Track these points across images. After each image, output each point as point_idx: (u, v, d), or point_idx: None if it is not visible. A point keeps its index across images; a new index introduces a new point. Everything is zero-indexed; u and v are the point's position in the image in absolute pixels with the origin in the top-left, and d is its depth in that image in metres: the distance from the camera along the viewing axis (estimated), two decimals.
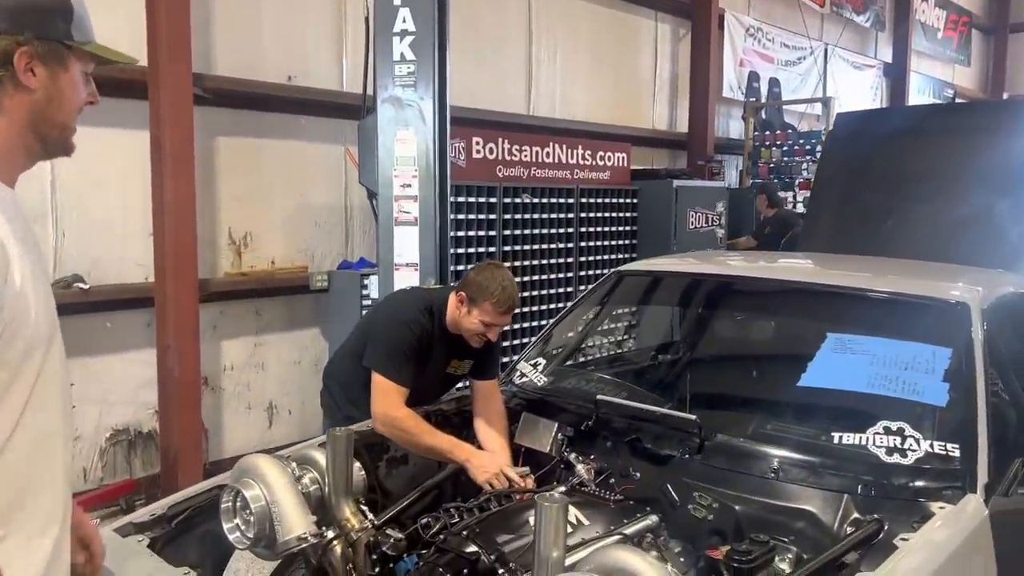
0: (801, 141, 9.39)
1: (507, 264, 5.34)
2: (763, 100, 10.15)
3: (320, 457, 2.26)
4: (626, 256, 6.93)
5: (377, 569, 2.12)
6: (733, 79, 9.81)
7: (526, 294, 6.09)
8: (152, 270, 4.85)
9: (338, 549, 2.14)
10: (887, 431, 2.28)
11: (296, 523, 2.05)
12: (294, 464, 2.21)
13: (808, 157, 9.08)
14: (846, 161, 4.87)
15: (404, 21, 3.98)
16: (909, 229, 4.20)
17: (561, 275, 6.51)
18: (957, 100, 14.35)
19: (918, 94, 13.62)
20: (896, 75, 13.13)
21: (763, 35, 10.29)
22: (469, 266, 5.51)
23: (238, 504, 2.13)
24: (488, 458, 2.62)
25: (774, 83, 10.43)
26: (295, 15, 5.61)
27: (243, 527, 2.13)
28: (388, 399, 2.67)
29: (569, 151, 6.68)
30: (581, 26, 7.98)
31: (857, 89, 12.20)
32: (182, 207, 4.74)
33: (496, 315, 2.73)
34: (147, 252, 4.84)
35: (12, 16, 1.29)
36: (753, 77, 10.05)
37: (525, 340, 5.74)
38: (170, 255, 4.72)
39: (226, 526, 2.15)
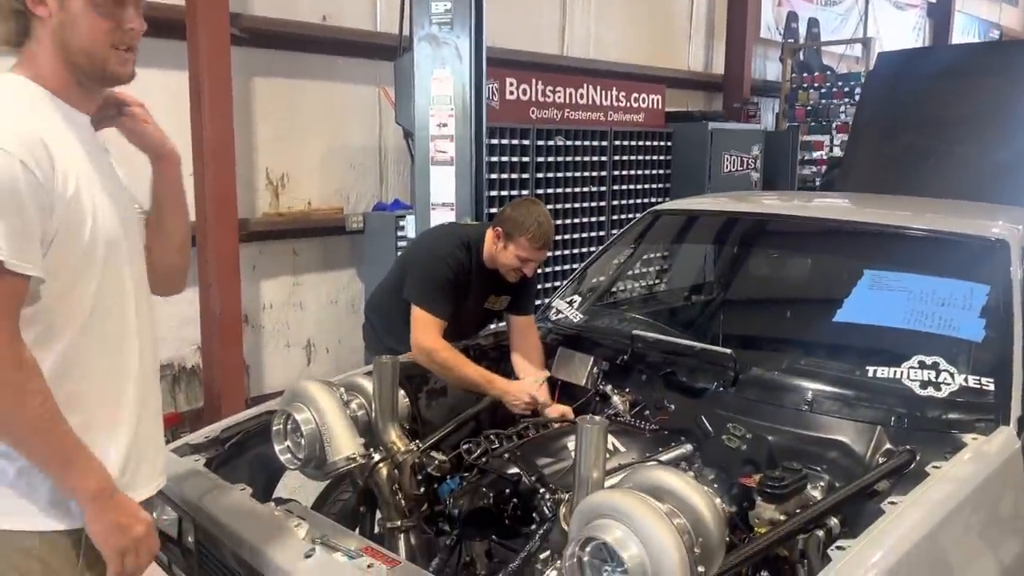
0: (840, 83, 9.18)
1: None
2: (802, 41, 9.92)
3: (366, 384, 2.34)
4: (660, 199, 6.90)
5: (422, 489, 2.21)
6: (771, 19, 9.60)
7: (558, 237, 6.11)
8: (193, 210, 4.94)
9: (384, 471, 2.23)
10: (922, 365, 2.30)
11: (345, 445, 2.15)
12: (342, 389, 2.29)
13: (847, 100, 8.88)
14: (886, 102, 4.79)
15: None
16: (949, 171, 4.15)
17: (594, 218, 6.51)
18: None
19: (963, 35, 13.21)
20: (940, 15, 12.74)
21: None
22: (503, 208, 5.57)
23: (289, 427, 2.23)
24: (518, 387, 2.70)
25: (813, 23, 10.18)
26: None
27: (293, 449, 2.23)
28: (426, 331, 2.74)
29: (603, 92, 6.62)
30: None
31: (899, 30, 11.87)
32: (221, 148, 4.80)
33: (532, 250, 2.78)
34: (187, 192, 4.91)
35: None
36: (792, 17, 9.81)
37: (557, 283, 5.79)
38: (210, 195, 4.80)
39: (277, 448, 2.25)
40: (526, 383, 2.71)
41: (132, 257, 1.56)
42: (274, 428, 2.25)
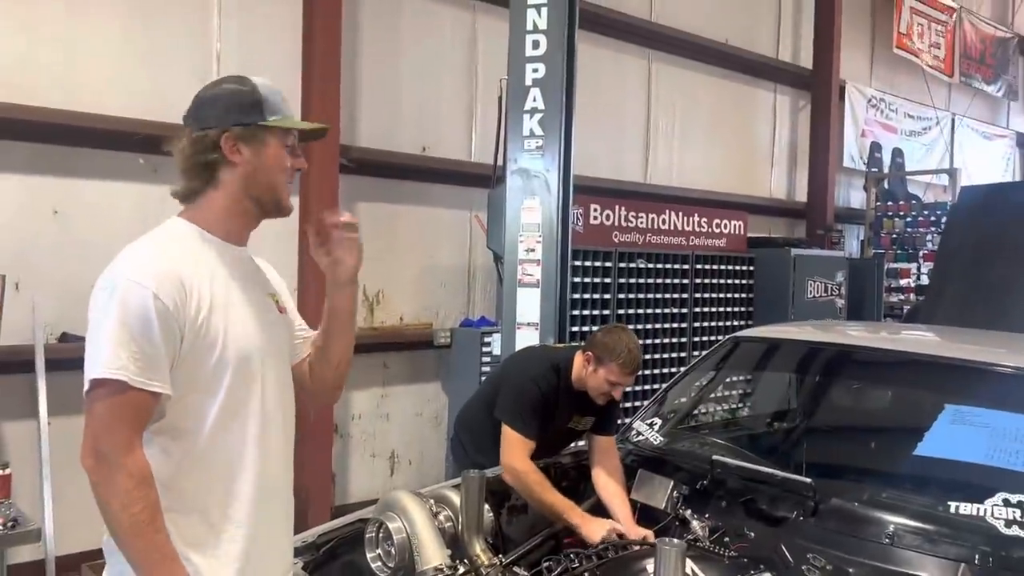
0: (926, 212, 9.19)
1: None
2: (886, 170, 10.00)
3: (454, 497, 2.47)
4: (742, 323, 6.93)
5: None
6: (854, 149, 9.75)
7: None
8: None
9: None
10: (1006, 503, 2.30)
11: (433, 555, 2.26)
12: (432, 501, 2.43)
13: (933, 228, 8.87)
14: (971, 234, 4.83)
15: (534, 100, 4.31)
16: None
17: (675, 339, 6.57)
18: None
19: None
20: None
21: (886, 105, 10.21)
22: (584, 328, 5.73)
23: (381, 535, 2.36)
24: (599, 524, 2.72)
25: (897, 153, 10.28)
26: (430, 93, 6.08)
27: (384, 556, 2.36)
28: (515, 451, 2.87)
29: (685, 218, 6.78)
30: (700, 97, 8.19)
31: (987, 160, 11.84)
32: None
33: (622, 375, 2.92)
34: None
35: (219, 116, 1.69)
36: (875, 147, 9.94)
37: (638, 403, 5.83)
38: (312, 311, 5.11)
39: (369, 555, 2.38)
40: (601, 524, 2.72)
41: (268, 376, 1.75)
42: (367, 536, 2.38)
